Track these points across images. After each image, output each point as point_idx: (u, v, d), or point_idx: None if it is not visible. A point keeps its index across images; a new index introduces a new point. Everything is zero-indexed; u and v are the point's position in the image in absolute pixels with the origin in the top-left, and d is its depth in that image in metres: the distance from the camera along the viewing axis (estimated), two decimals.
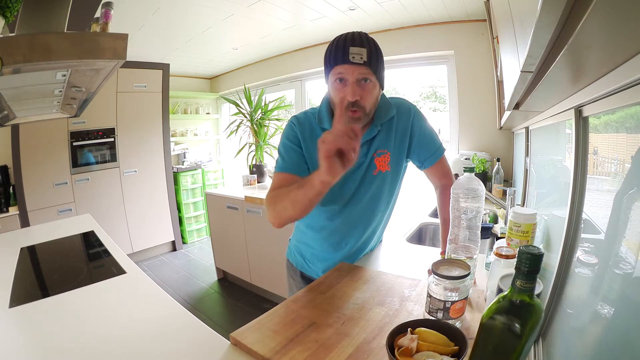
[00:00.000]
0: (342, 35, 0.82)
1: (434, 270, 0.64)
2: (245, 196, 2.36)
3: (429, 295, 0.65)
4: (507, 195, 1.35)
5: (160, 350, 0.74)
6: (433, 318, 0.63)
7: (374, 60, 0.81)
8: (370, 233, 1.06)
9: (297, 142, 0.94)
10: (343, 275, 0.95)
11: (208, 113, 4.31)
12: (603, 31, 0.29)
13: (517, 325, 0.40)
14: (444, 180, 1.04)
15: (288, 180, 0.89)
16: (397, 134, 0.96)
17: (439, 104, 3.13)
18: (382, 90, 0.90)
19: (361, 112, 0.84)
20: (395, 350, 0.53)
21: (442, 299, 0.63)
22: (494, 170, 2.05)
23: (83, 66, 0.95)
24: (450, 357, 0.52)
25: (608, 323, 0.42)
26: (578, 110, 0.63)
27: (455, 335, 0.55)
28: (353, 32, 0.82)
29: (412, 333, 0.56)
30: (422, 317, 0.70)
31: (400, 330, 0.57)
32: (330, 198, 0.96)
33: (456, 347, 0.54)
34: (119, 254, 1.36)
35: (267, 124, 2.96)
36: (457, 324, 0.67)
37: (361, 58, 0.78)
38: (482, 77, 2.30)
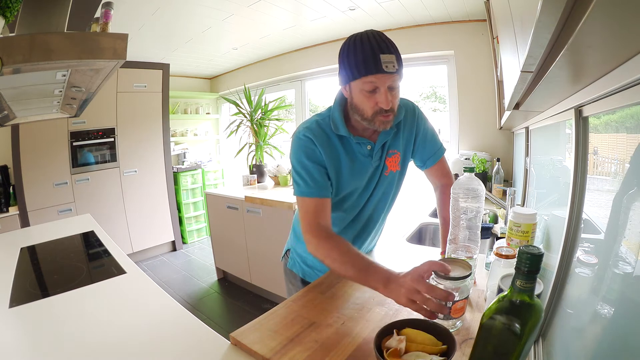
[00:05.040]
0: (366, 38, 0.77)
1: (435, 271, 0.64)
2: (245, 196, 2.36)
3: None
4: (507, 195, 1.35)
5: (160, 350, 0.74)
6: (422, 318, 0.62)
7: (401, 66, 0.79)
8: (375, 232, 1.06)
9: (319, 160, 0.87)
10: None
11: (208, 113, 4.31)
12: (603, 31, 0.29)
13: (517, 325, 0.40)
14: (444, 180, 1.04)
15: (320, 205, 0.85)
16: (404, 133, 0.96)
17: (439, 104, 3.13)
18: None
19: (392, 114, 0.82)
20: (384, 352, 0.53)
21: None
22: (494, 170, 2.05)
23: (83, 66, 0.95)
24: (439, 356, 0.52)
25: (608, 323, 0.42)
26: (578, 110, 0.63)
27: (442, 334, 0.55)
28: (376, 37, 0.77)
29: (398, 334, 0.56)
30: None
31: (387, 331, 0.57)
32: (349, 206, 0.96)
33: (444, 347, 0.54)
34: (119, 254, 1.36)
35: (267, 124, 2.95)
36: (458, 324, 0.67)
37: (394, 67, 0.75)
38: (482, 77, 2.30)
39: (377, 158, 0.93)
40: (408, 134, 0.97)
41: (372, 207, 0.99)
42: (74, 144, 2.94)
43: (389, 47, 0.77)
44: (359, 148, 0.90)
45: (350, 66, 0.78)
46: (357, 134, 0.90)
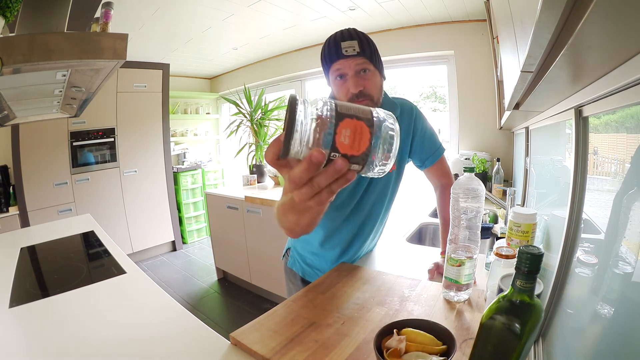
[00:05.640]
0: (331, 35, 0.83)
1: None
2: (245, 196, 2.36)
3: None
4: (507, 195, 1.35)
5: (160, 350, 0.74)
6: (422, 318, 0.62)
7: (367, 50, 0.81)
8: (375, 232, 1.06)
9: None
10: (343, 275, 0.95)
11: (208, 113, 4.31)
12: (603, 31, 0.29)
13: (517, 325, 0.40)
14: (443, 179, 1.04)
15: None
16: (400, 133, 0.96)
17: (439, 104, 3.13)
18: (384, 79, 0.89)
19: (368, 100, 0.82)
20: (384, 352, 0.53)
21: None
22: (494, 170, 2.05)
23: (83, 66, 0.95)
24: (439, 356, 0.52)
25: (608, 323, 0.42)
26: (578, 110, 0.63)
27: (442, 335, 0.56)
28: (342, 30, 0.83)
29: (398, 334, 0.56)
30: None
31: (387, 331, 0.57)
32: (340, 203, 0.96)
33: (444, 346, 0.54)
34: (119, 254, 1.36)
35: (267, 124, 2.96)
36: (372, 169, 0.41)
37: (354, 50, 0.79)
38: (482, 77, 2.30)
39: None
40: (405, 134, 0.97)
41: (368, 208, 0.99)
42: (74, 144, 2.94)
43: (351, 34, 0.81)
44: None
45: (322, 62, 0.85)
46: None
